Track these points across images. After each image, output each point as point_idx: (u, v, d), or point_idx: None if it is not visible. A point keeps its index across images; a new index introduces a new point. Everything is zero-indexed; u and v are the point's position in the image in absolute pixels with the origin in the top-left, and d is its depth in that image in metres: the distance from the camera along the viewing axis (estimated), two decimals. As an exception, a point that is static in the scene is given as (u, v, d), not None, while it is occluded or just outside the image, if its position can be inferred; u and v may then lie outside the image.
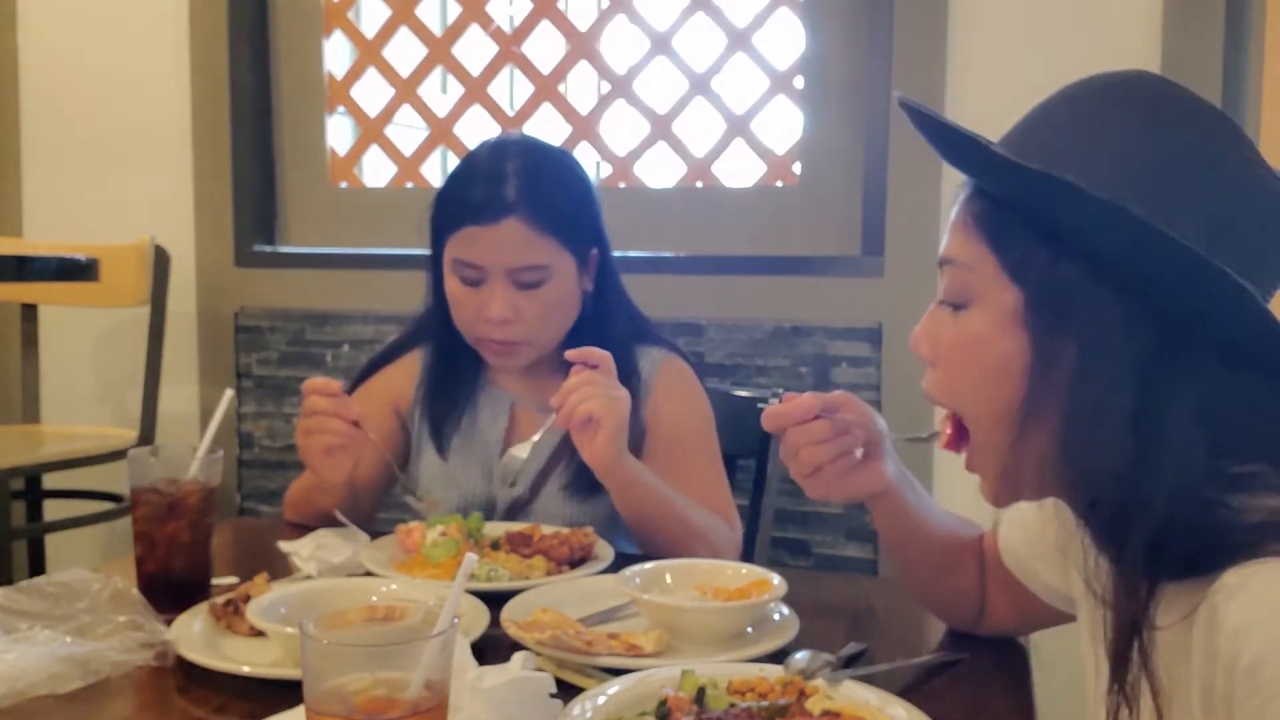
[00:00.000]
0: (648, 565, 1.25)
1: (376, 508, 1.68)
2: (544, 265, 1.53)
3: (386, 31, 2.70)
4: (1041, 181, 0.77)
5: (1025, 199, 0.81)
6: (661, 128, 2.52)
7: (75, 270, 2.56)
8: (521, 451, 1.50)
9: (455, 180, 1.58)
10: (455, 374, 1.65)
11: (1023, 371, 0.82)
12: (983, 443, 0.87)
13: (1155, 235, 0.73)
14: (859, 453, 1.09)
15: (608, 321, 1.63)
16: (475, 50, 2.65)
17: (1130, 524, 0.76)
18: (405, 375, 1.69)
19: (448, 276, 1.57)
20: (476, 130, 2.66)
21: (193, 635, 1.11)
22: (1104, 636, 0.80)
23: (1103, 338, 0.78)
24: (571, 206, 1.57)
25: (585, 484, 1.56)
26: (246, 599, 1.14)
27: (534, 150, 1.59)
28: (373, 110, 2.73)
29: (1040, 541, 1.07)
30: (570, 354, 1.42)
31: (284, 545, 1.38)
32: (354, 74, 2.73)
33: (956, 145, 0.84)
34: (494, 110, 2.63)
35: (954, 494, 2.24)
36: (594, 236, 1.61)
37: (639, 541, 1.52)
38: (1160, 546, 0.75)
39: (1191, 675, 0.74)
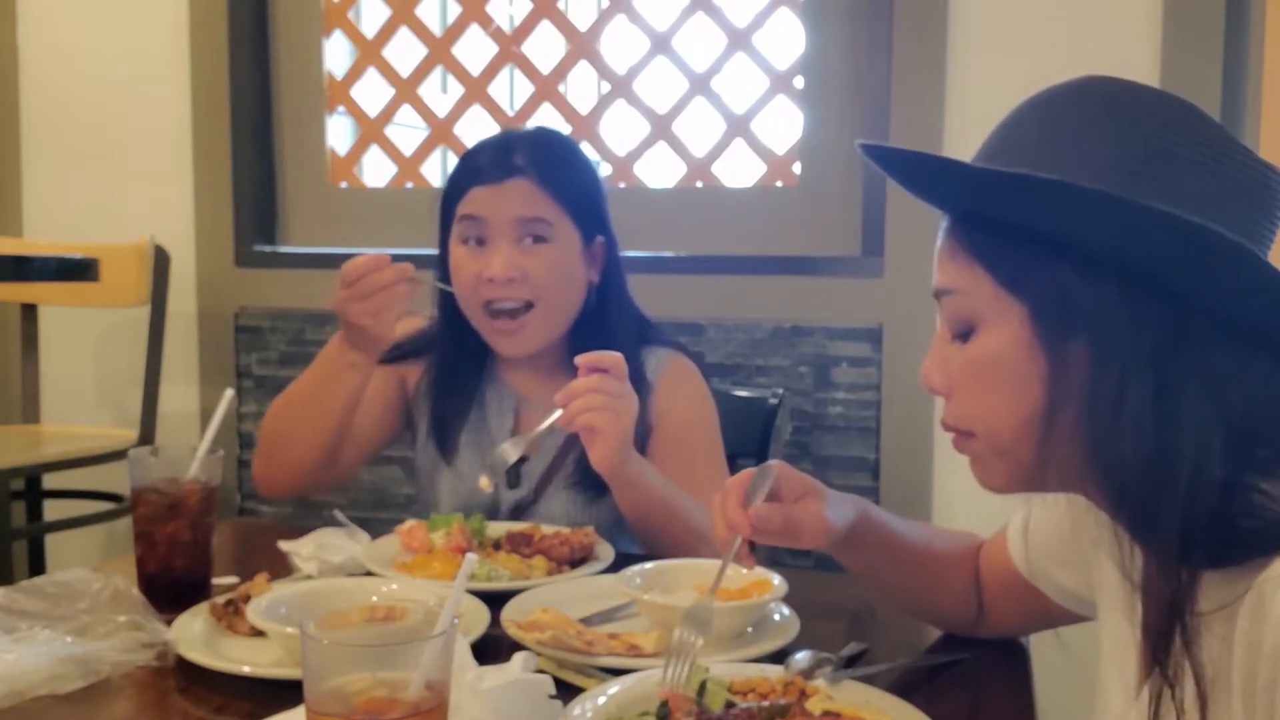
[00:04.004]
0: (648, 565, 1.25)
1: (358, 463, 1.66)
2: (548, 220, 1.55)
3: (386, 31, 2.70)
4: (1027, 186, 0.77)
5: (1009, 210, 0.81)
6: (661, 128, 2.52)
7: (75, 270, 2.56)
8: (513, 450, 1.45)
9: (465, 158, 1.62)
10: (461, 373, 1.65)
11: (1040, 381, 0.82)
12: (1004, 454, 0.86)
13: (1143, 213, 0.74)
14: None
15: (613, 319, 1.63)
16: (475, 50, 2.65)
17: (1160, 510, 0.76)
18: (416, 359, 1.69)
19: (453, 248, 1.58)
20: (476, 130, 2.66)
21: (193, 635, 1.11)
22: (1142, 624, 0.79)
23: (1111, 330, 0.78)
24: (578, 181, 1.60)
25: (591, 483, 1.55)
26: (246, 599, 1.14)
27: (544, 132, 1.66)
28: (373, 110, 2.73)
29: (1053, 546, 1.07)
30: (580, 359, 1.39)
31: (284, 545, 1.38)
32: (354, 74, 2.73)
33: (930, 174, 0.85)
34: (494, 110, 2.64)
35: (954, 504, 2.25)
36: (599, 223, 1.62)
37: (640, 540, 1.51)
38: (1192, 531, 0.75)
39: (1233, 663, 0.74)
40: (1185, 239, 0.74)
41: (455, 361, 1.64)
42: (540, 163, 1.55)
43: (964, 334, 0.87)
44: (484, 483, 1.46)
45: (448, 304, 1.62)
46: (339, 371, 1.51)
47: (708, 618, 1.00)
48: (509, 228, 1.54)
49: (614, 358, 1.39)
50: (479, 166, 1.56)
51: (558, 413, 1.38)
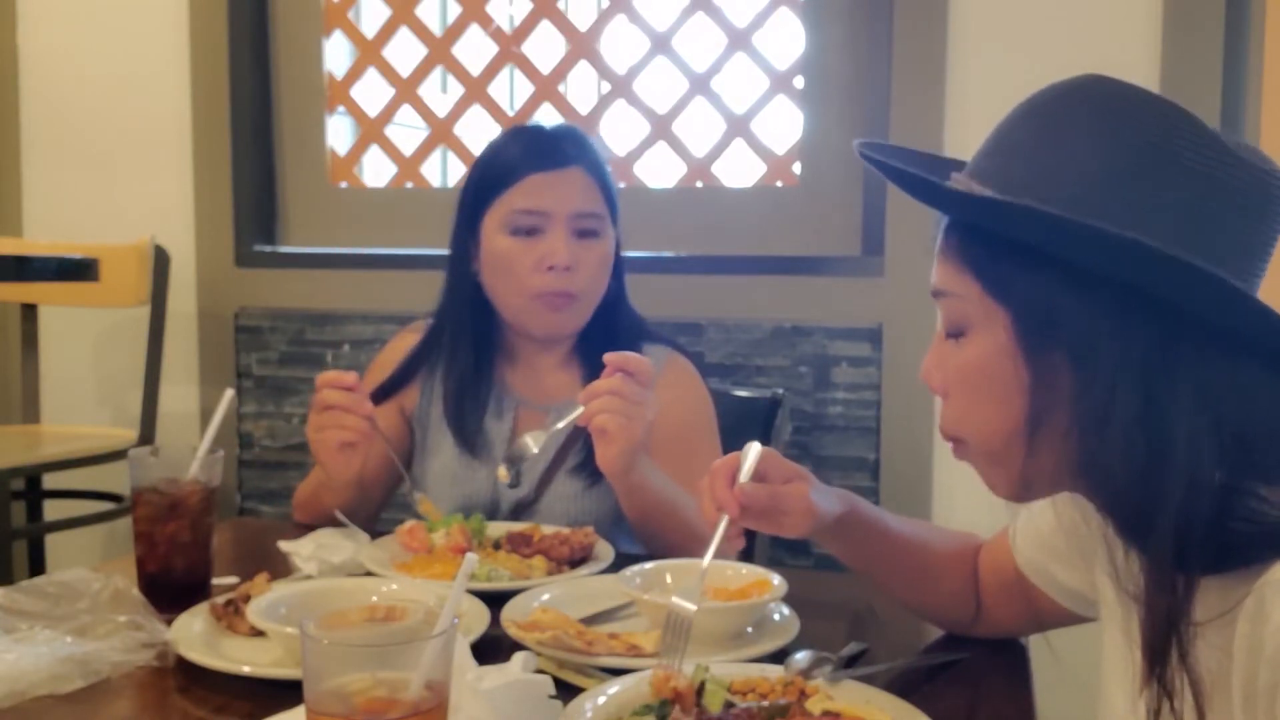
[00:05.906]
0: (648, 565, 1.25)
1: (384, 505, 1.68)
2: (602, 215, 1.59)
3: (386, 31, 2.70)
4: (1001, 207, 0.78)
5: (991, 225, 0.82)
6: (661, 128, 2.52)
7: (75, 270, 2.56)
8: (534, 442, 1.47)
9: (504, 146, 1.62)
10: (477, 371, 1.65)
11: (1023, 391, 0.82)
12: (997, 460, 0.87)
13: (1119, 241, 0.74)
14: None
15: (621, 319, 1.65)
16: (475, 50, 2.65)
17: (1153, 519, 0.76)
18: (410, 383, 1.69)
19: (497, 237, 1.58)
20: (476, 130, 2.66)
21: (193, 635, 1.11)
22: (1138, 635, 0.79)
23: (1093, 345, 0.78)
24: (610, 178, 1.64)
25: (593, 467, 1.55)
26: (246, 599, 1.14)
27: (574, 126, 1.68)
28: (373, 110, 2.73)
29: (1057, 546, 1.07)
30: (609, 357, 1.39)
31: (284, 545, 1.38)
32: (354, 74, 2.73)
33: (914, 185, 0.86)
34: (494, 110, 2.63)
35: (954, 504, 2.25)
36: (617, 222, 1.65)
37: (639, 538, 1.51)
38: (1187, 539, 0.75)
39: (1233, 669, 0.74)
40: (1160, 265, 0.74)
41: (466, 367, 1.64)
42: (588, 154, 1.59)
43: (957, 335, 0.87)
44: (501, 473, 1.48)
45: (466, 301, 1.62)
46: (326, 486, 1.54)
47: (698, 591, 1.01)
48: (567, 220, 1.56)
49: (641, 362, 1.39)
50: (536, 152, 1.57)
51: (579, 410, 1.39)
